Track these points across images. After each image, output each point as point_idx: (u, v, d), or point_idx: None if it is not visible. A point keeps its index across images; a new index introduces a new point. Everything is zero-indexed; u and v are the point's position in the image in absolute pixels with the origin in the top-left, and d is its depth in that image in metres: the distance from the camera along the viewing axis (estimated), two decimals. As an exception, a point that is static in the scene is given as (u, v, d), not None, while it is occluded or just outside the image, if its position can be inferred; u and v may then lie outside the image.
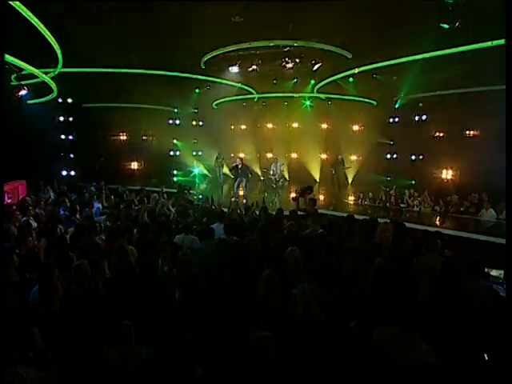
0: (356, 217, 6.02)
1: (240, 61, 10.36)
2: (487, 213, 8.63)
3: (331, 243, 3.88)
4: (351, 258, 3.85)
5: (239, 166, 11.54)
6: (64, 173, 14.04)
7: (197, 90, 14.42)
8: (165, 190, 9.92)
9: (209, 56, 9.56)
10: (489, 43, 8.74)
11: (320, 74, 13.48)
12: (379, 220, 5.71)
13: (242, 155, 12.23)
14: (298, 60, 9.92)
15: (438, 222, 8.37)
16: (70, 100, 13.63)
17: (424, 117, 13.70)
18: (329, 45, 8.66)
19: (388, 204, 9.76)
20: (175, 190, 10.60)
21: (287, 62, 9.98)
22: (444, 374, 1.99)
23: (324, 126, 16.93)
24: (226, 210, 7.46)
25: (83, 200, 6.82)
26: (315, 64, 10.20)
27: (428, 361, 2.01)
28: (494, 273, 4.70)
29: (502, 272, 4.74)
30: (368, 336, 2.34)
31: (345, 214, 8.16)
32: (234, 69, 10.36)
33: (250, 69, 10.50)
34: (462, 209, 9.32)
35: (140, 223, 5.10)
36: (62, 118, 13.71)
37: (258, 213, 6.36)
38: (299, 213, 6.47)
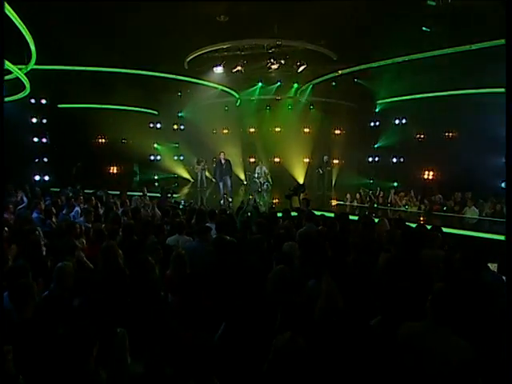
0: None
1: (224, 61, 10.19)
2: (470, 210, 8.84)
3: (337, 238, 3.70)
4: (355, 254, 3.70)
5: (222, 162, 10.98)
6: (37, 178, 13.23)
7: (179, 93, 14.07)
8: (148, 194, 9.50)
9: (192, 55, 9.31)
10: (467, 47, 9.09)
11: (303, 78, 13.68)
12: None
13: (222, 156, 11.27)
14: (283, 61, 9.88)
15: (423, 220, 8.46)
16: (44, 101, 12.96)
17: (404, 120, 14.03)
18: (315, 45, 8.65)
19: (376, 204, 9.81)
20: (158, 195, 10.18)
21: (272, 63, 9.91)
22: (482, 370, 1.84)
23: (306, 130, 17.03)
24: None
25: (59, 202, 6.31)
26: (300, 66, 10.18)
27: (466, 357, 1.85)
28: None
29: (496, 265, 4.76)
30: (392, 332, 2.16)
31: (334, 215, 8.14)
32: (219, 69, 10.17)
33: (235, 70, 10.35)
34: (445, 208, 9.50)
35: (124, 224, 4.71)
36: (34, 120, 12.96)
37: (249, 213, 6.14)
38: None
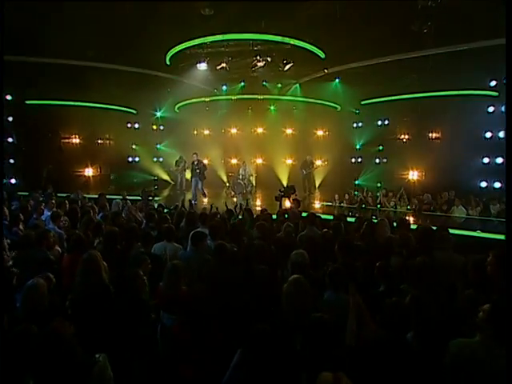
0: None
1: (208, 58, 9.74)
2: (458, 209, 8.88)
3: (347, 242, 3.39)
4: (364, 258, 3.40)
5: (195, 163, 11.02)
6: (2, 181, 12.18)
7: (168, 90, 13.40)
8: (128, 196, 8.89)
9: (175, 50, 8.81)
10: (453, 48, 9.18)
11: (287, 78, 13.47)
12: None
13: (194, 157, 11.44)
14: (269, 59, 9.57)
15: (414, 221, 8.39)
16: (9, 97, 11.95)
17: (386, 121, 14.13)
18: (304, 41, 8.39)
19: (365, 205, 9.67)
20: (139, 198, 9.54)
21: (258, 61, 9.57)
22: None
23: (289, 131, 16.85)
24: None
25: (28, 207, 5.62)
26: (286, 64, 9.91)
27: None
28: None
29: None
30: (431, 348, 1.86)
31: (327, 216, 7.88)
32: (202, 66, 9.70)
33: (219, 67, 9.93)
34: (432, 207, 9.51)
35: (105, 231, 4.18)
36: (-2, 118, 11.92)
37: (241, 217, 5.72)
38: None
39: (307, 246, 3.52)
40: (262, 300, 2.53)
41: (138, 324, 2.42)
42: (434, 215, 9.02)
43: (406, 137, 12.14)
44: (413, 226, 5.29)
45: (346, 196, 10.28)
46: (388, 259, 3.46)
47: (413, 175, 11.67)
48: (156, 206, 7.68)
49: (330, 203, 10.54)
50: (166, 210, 6.77)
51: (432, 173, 11.03)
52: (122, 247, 3.96)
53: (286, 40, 8.10)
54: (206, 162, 11.99)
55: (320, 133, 16.56)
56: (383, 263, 3.13)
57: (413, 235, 3.68)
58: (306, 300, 2.19)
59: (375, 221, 5.10)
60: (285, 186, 6.45)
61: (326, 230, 4.30)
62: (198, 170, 10.91)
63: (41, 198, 7.51)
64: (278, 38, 8.00)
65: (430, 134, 10.76)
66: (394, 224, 5.01)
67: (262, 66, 9.73)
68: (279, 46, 9.62)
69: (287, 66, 10.02)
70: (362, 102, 13.51)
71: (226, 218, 5.28)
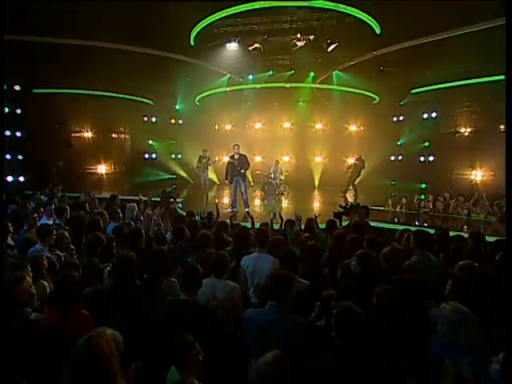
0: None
1: (239, 37, 8.32)
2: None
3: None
4: None
5: (235, 157, 8.39)
6: (9, 179, 11.15)
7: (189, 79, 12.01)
8: (144, 198, 7.52)
9: (202, 25, 7.40)
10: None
11: (320, 67, 11.92)
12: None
13: (236, 149, 8.54)
14: (312, 37, 8.08)
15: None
16: (17, 87, 10.87)
17: (434, 114, 12.41)
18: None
19: (428, 211, 8.02)
20: (158, 199, 8.20)
21: (299, 40, 8.10)
22: None
23: (319, 125, 15.34)
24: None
25: (21, 214, 4.27)
26: (331, 44, 8.39)
27: None
28: None
29: None
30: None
31: (394, 227, 6.34)
32: (233, 46, 8.29)
33: (252, 47, 8.49)
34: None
35: (118, 258, 2.72)
36: (6, 109, 10.85)
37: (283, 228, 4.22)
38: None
39: (458, 288, 2.05)
40: None
41: None
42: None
43: (468, 130, 10.37)
44: None
45: (404, 200, 8.64)
46: None
47: (475, 175, 9.89)
48: (184, 212, 6.18)
49: (381, 208, 8.93)
50: (197, 218, 5.30)
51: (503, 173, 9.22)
52: (144, 282, 2.58)
53: (341, 7, 6.56)
54: (237, 145, 8.71)
55: (353, 128, 15.04)
56: None
57: None
58: None
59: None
60: (350, 202, 4.94)
61: (468, 261, 2.76)
62: (239, 168, 8.36)
63: (42, 198, 6.25)
64: (331, 5, 6.46)
65: (502, 126, 8.98)
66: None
67: (303, 46, 8.24)
68: (323, 23, 8.15)
69: (331, 47, 8.52)
70: (413, 91, 11.80)
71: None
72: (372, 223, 5.82)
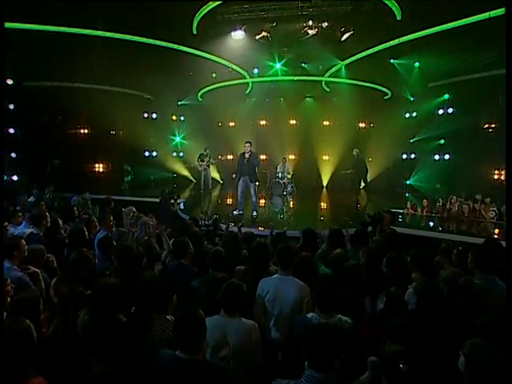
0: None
1: (245, 25, 7.67)
2: None
3: None
4: None
5: (246, 156, 7.57)
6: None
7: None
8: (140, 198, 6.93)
9: (205, 10, 6.76)
10: None
11: (330, 59, 11.24)
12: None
13: (247, 147, 7.65)
14: (325, 24, 7.42)
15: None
16: (9, 81, 10.26)
17: (450, 110, 11.72)
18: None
19: (450, 213, 7.34)
20: (157, 200, 7.57)
21: (310, 27, 7.45)
22: None
23: (326, 122, 14.66)
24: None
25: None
26: (345, 32, 7.73)
27: None
28: None
29: None
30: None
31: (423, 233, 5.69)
32: (238, 34, 7.65)
33: (259, 36, 7.84)
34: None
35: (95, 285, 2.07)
36: None
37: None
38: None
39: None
40: None
41: None
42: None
43: (493, 126, 9.69)
44: None
45: (425, 202, 7.96)
46: None
47: (500, 175, 9.20)
48: (185, 215, 5.55)
49: (399, 210, 8.24)
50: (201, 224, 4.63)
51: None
52: (137, 318, 1.96)
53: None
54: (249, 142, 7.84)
55: (362, 125, 14.36)
56: None
57: None
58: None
59: None
60: (373, 214, 4.31)
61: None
62: (253, 167, 7.60)
63: (32, 199, 5.65)
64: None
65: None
66: None
67: (315, 34, 7.58)
68: (337, 9, 7.49)
69: (345, 36, 7.87)
70: (430, 84, 11.11)
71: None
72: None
